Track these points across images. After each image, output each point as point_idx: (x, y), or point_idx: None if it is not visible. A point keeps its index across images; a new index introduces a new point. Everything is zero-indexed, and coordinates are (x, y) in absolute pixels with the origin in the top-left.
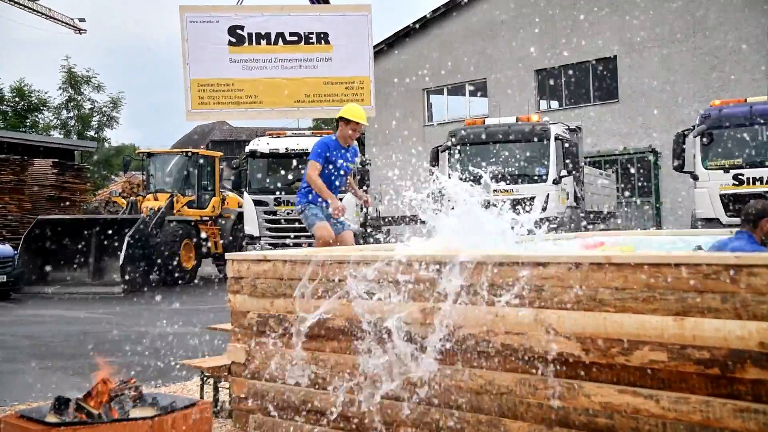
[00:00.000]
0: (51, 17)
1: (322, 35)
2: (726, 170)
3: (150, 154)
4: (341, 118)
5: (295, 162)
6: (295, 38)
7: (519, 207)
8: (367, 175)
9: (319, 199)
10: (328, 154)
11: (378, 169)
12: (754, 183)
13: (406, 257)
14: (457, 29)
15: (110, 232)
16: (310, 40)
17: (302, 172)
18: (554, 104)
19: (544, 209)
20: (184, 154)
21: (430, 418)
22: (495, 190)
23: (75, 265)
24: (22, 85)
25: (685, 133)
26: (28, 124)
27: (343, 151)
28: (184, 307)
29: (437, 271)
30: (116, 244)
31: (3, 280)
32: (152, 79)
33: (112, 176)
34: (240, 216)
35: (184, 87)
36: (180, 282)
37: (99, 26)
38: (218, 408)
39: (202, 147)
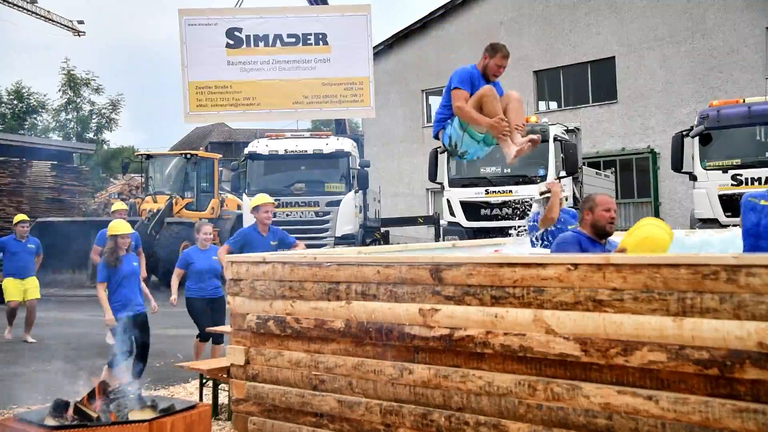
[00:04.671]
0: (50, 20)
1: (320, 36)
2: (724, 170)
3: (149, 156)
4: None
5: (294, 163)
6: (293, 40)
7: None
8: (366, 176)
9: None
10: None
11: (377, 170)
12: (752, 183)
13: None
14: (455, 30)
15: None
16: (309, 41)
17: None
18: (553, 105)
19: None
20: (183, 156)
21: (430, 419)
22: (494, 192)
23: (74, 268)
24: (20, 87)
25: (684, 133)
26: (26, 126)
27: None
28: (184, 309)
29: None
30: None
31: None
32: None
33: (111, 178)
34: (239, 218)
35: (182, 89)
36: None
37: (98, 29)
38: (217, 410)
39: (201, 149)
